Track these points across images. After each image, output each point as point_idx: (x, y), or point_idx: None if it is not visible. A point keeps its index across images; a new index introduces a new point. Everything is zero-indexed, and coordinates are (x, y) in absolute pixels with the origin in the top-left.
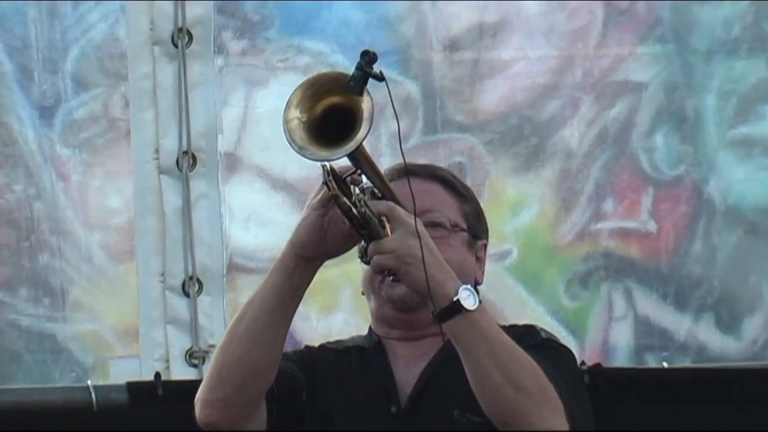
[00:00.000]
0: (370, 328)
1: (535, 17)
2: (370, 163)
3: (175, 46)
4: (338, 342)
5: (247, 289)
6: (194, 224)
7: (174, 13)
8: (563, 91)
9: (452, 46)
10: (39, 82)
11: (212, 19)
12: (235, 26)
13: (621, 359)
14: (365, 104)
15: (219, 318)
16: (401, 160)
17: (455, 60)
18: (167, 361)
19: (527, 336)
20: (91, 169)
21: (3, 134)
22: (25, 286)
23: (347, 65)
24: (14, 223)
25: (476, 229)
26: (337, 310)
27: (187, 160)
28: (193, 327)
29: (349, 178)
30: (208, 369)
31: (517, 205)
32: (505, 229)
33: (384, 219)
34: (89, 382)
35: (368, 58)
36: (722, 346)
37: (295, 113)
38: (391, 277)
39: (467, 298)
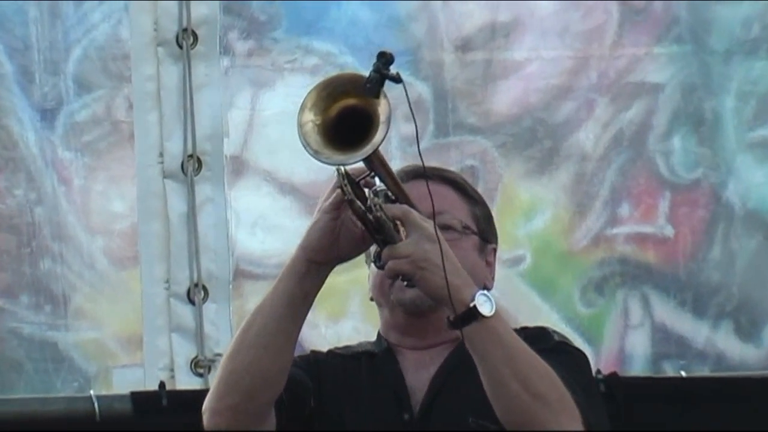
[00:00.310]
0: (379, 334)
1: (549, 17)
2: (385, 165)
3: (180, 46)
4: (347, 348)
5: (254, 296)
6: (199, 230)
7: (179, 12)
8: (578, 93)
9: (464, 46)
10: (40, 84)
11: (218, 19)
12: (241, 26)
13: (637, 368)
14: (382, 107)
15: (225, 326)
16: (410, 163)
17: (467, 61)
18: (172, 370)
19: (540, 339)
20: (94, 173)
21: (3, 137)
22: (26, 293)
23: (356, 66)
24: (15, 229)
25: (487, 232)
26: (346, 317)
27: (192, 164)
28: (199, 335)
29: (362, 181)
30: (215, 377)
31: (531, 210)
32: (519, 234)
33: (398, 223)
34: (92, 392)
35: (385, 59)
36: (742, 354)
37: (309, 116)
38: (405, 282)
39: (484, 304)
